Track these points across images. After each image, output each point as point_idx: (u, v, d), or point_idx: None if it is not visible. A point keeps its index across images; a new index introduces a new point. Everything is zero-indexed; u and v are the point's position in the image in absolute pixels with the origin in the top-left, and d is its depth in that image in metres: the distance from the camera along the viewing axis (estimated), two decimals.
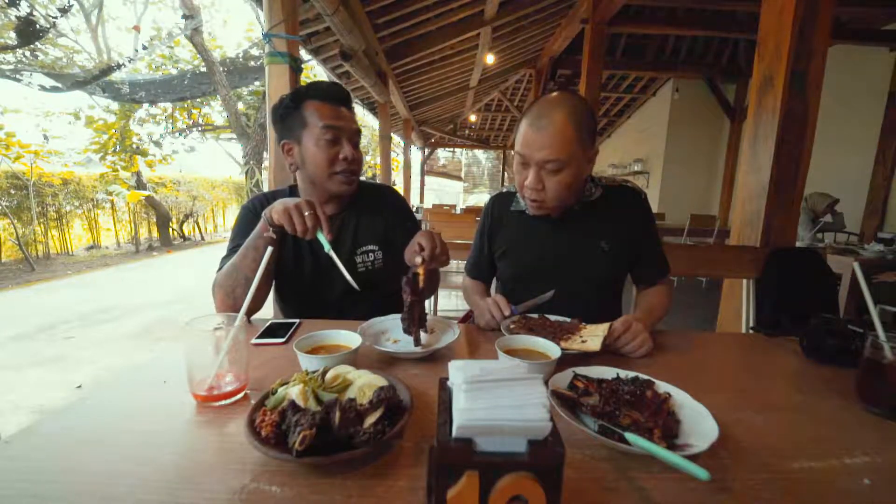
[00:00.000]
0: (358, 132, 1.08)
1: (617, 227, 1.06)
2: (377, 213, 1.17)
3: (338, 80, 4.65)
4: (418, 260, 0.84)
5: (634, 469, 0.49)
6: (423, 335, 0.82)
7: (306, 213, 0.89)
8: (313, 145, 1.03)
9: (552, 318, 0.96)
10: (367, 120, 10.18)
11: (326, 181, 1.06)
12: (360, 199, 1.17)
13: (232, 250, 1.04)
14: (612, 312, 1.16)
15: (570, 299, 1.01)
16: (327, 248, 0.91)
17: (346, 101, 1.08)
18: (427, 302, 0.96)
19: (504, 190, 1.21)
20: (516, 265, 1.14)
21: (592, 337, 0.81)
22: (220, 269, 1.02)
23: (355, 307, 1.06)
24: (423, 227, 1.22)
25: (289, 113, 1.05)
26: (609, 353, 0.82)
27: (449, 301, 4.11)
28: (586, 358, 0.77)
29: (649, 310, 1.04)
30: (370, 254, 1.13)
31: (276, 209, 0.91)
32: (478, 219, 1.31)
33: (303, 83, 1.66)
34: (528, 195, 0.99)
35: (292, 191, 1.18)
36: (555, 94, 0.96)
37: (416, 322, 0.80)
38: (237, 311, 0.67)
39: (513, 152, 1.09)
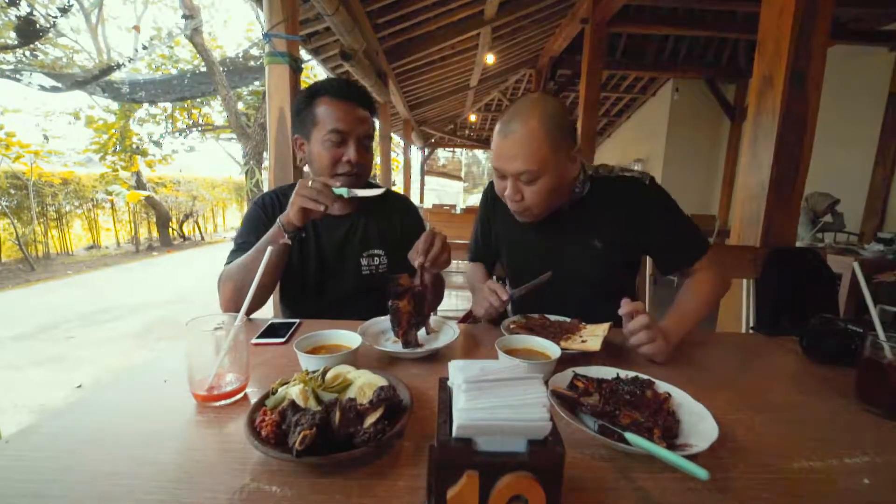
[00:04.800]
0: (369, 134, 1.07)
1: (612, 226, 1.01)
2: (388, 218, 1.18)
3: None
4: (418, 261, 0.85)
5: (634, 469, 0.49)
6: (420, 335, 0.82)
7: (310, 184, 0.91)
8: (319, 145, 1.03)
9: (552, 318, 0.96)
10: None
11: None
12: (371, 201, 1.16)
13: (240, 245, 1.04)
14: (611, 312, 1.15)
15: (564, 299, 1.00)
16: (345, 193, 0.93)
17: (359, 99, 1.06)
18: None
19: None
20: (509, 263, 1.15)
21: (592, 337, 0.81)
22: (227, 263, 1.02)
23: (356, 308, 1.06)
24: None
25: (302, 109, 1.06)
26: (609, 353, 0.82)
27: (449, 301, 4.10)
28: (586, 358, 0.77)
29: (681, 311, 0.92)
30: (376, 258, 1.13)
31: (291, 213, 0.92)
32: None
33: (304, 84, 1.65)
34: (510, 206, 0.97)
35: None
36: (523, 98, 0.91)
37: (402, 326, 0.81)
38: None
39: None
